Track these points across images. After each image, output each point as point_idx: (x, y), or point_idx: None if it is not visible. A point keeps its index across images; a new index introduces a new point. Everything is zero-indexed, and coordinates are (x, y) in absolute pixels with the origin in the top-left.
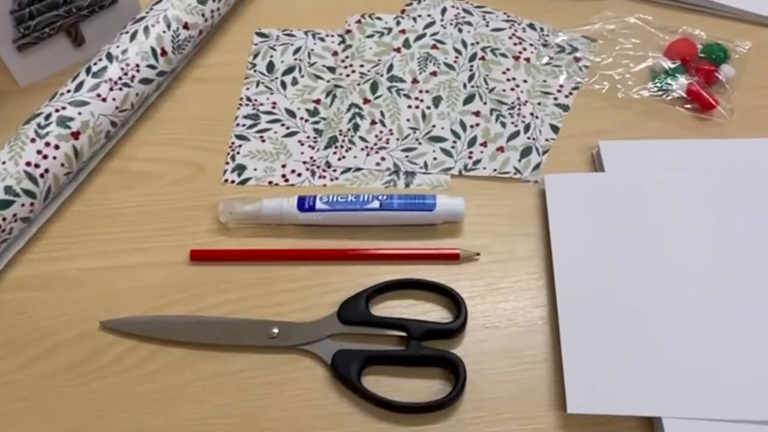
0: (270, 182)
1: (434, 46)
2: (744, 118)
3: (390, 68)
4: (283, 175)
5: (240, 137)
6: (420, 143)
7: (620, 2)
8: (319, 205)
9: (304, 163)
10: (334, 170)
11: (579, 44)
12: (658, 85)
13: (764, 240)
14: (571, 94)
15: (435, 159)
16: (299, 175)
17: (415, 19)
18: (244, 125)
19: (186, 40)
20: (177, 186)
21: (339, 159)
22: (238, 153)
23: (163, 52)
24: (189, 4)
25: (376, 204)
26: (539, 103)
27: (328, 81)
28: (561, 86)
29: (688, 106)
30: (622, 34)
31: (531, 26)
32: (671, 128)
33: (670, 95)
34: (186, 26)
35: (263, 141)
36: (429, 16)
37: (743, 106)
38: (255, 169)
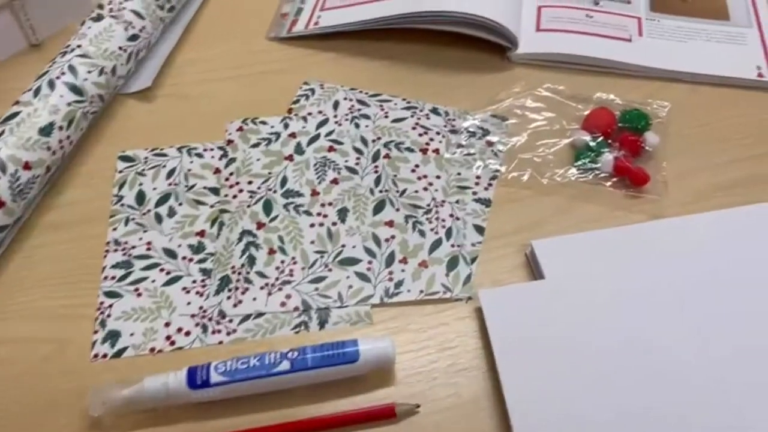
0: (152, 349)
1: (331, 148)
2: (679, 188)
3: (284, 181)
4: (168, 337)
5: (110, 294)
6: (330, 270)
7: (526, 71)
8: (214, 377)
9: (193, 316)
10: (231, 320)
11: (490, 125)
12: (583, 164)
13: (723, 328)
14: (490, 185)
15: (350, 287)
16: (187, 333)
17: (305, 119)
18: (113, 278)
19: (29, 182)
20: (29, 375)
21: (234, 305)
22: (108, 316)
23: (1, 203)
24: (27, 139)
25: (286, 365)
26: (458, 201)
27: (212, 206)
28: (478, 177)
29: (619, 183)
30: (534, 108)
31: (435, 111)
32: (605, 211)
33: (598, 174)
34: (27, 166)
35: (139, 295)
36: (320, 113)
37: (675, 174)
38: (132, 335)
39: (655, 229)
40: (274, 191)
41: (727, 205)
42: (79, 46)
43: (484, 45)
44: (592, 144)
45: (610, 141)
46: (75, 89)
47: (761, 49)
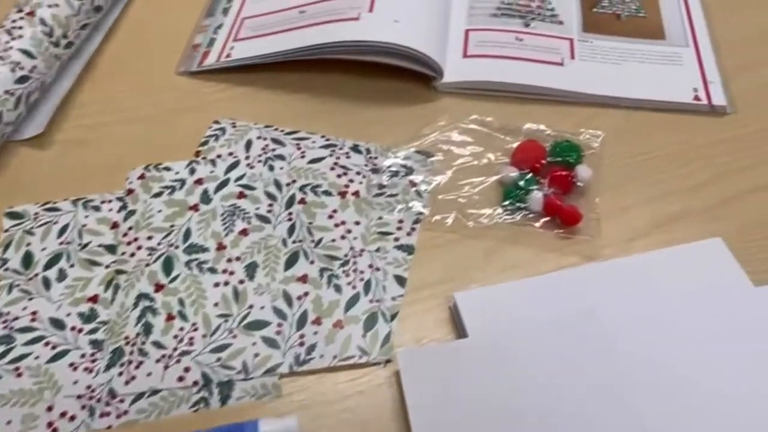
0: None
1: (241, 194)
2: (614, 225)
3: (187, 235)
4: (50, 424)
5: None
6: (235, 336)
7: (453, 101)
8: None
9: (79, 397)
10: (122, 400)
11: (414, 163)
12: (511, 203)
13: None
14: (413, 230)
15: (257, 355)
16: (72, 418)
17: (213, 162)
18: None
19: None
20: None
21: (127, 382)
22: None
23: None
24: None
25: None
26: (378, 250)
27: (107, 266)
28: (400, 222)
29: (550, 223)
30: (460, 142)
31: (356, 149)
32: (535, 255)
33: (527, 214)
34: None
35: (19, 375)
36: (231, 154)
37: (610, 210)
38: (9, 423)
39: (587, 274)
40: (176, 247)
41: (667, 243)
42: None
43: (409, 74)
44: (520, 181)
45: (539, 177)
46: None
47: (698, 69)
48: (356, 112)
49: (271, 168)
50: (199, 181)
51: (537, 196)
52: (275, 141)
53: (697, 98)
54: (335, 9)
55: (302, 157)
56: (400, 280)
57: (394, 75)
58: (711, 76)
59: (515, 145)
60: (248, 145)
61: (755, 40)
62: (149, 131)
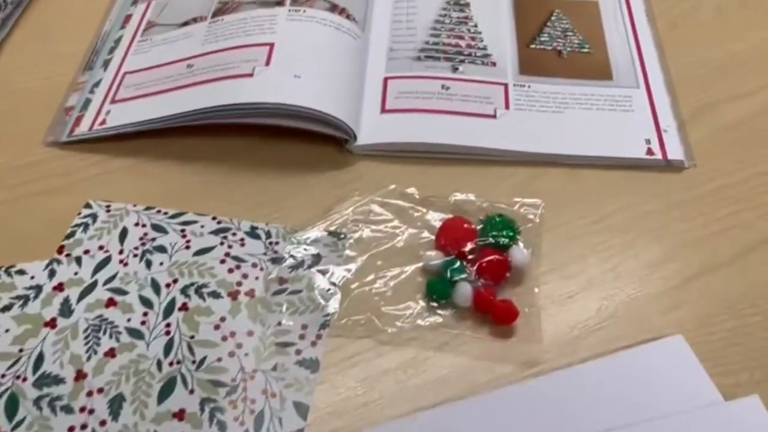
0: None
1: (110, 302)
2: (556, 322)
3: (39, 361)
4: None
5: None
6: None
7: (371, 165)
8: None
9: None
10: None
11: (322, 248)
12: (436, 298)
13: None
14: (319, 337)
15: None
16: None
17: (79, 261)
18: None
19: None
20: None
21: None
22: None
23: None
24: None
25: None
26: (275, 368)
27: None
28: (304, 327)
29: (482, 322)
30: (377, 221)
31: (253, 233)
32: (465, 365)
33: (455, 311)
34: None
35: None
36: (102, 249)
37: (551, 300)
38: None
39: (524, 394)
40: (24, 379)
41: (619, 338)
42: None
43: (320, 135)
44: (446, 270)
45: (469, 263)
46: None
47: (650, 115)
48: (255, 184)
49: (149, 264)
50: (59, 287)
51: (464, 290)
52: (156, 228)
53: (650, 152)
54: (227, 63)
55: (187, 247)
56: (301, 409)
57: (302, 136)
58: (665, 123)
59: (440, 222)
60: (123, 235)
61: (712, 76)
62: (5, 219)
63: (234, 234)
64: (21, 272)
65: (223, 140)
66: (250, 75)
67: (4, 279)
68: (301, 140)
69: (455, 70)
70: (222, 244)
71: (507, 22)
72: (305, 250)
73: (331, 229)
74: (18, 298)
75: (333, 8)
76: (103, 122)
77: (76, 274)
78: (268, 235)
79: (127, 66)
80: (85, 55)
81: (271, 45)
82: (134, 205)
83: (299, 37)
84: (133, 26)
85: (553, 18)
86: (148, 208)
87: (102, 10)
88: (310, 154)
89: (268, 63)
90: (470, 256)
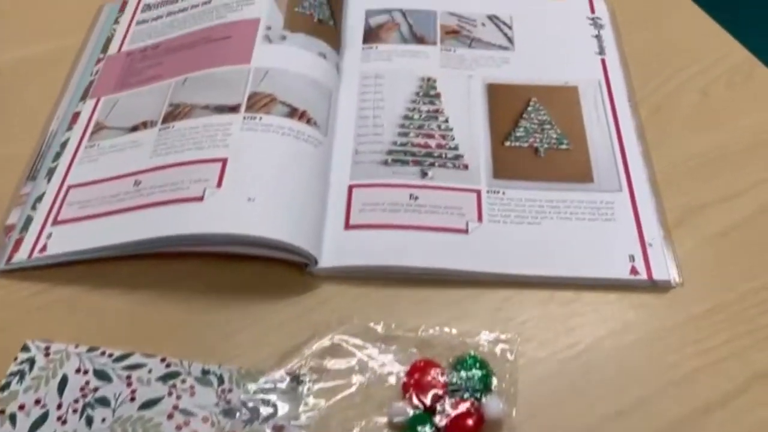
0: None
1: None
2: None
3: None
4: None
5: None
6: None
7: (335, 289)
8: None
9: None
10: None
11: (280, 396)
12: None
13: None
14: None
15: None
16: None
17: (13, 419)
18: None
19: None
20: None
21: None
22: None
23: None
24: None
25: None
26: None
27: None
28: None
29: None
30: (338, 367)
31: (204, 378)
32: None
33: None
34: None
35: None
36: (39, 403)
37: None
38: None
39: None
40: None
41: None
42: None
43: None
44: (413, 426)
45: (439, 415)
46: None
47: (634, 226)
48: (208, 316)
49: (90, 421)
50: None
51: None
52: (99, 374)
53: (634, 270)
54: (176, 182)
55: (132, 399)
56: None
57: (262, 258)
58: (650, 235)
59: (406, 367)
60: (63, 384)
61: (699, 173)
62: None
63: (183, 381)
64: None
65: (172, 264)
66: (200, 199)
67: None
68: (256, 261)
69: (424, 175)
70: (170, 394)
71: (480, 114)
72: (261, 399)
73: (289, 372)
74: None
75: (292, 113)
76: (44, 248)
77: None
78: (221, 380)
79: (72, 177)
80: (29, 160)
81: (224, 161)
82: (76, 346)
83: (254, 151)
84: (80, 127)
85: (529, 108)
86: (91, 349)
87: (50, 104)
88: (266, 278)
89: (219, 184)
90: (440, 408)
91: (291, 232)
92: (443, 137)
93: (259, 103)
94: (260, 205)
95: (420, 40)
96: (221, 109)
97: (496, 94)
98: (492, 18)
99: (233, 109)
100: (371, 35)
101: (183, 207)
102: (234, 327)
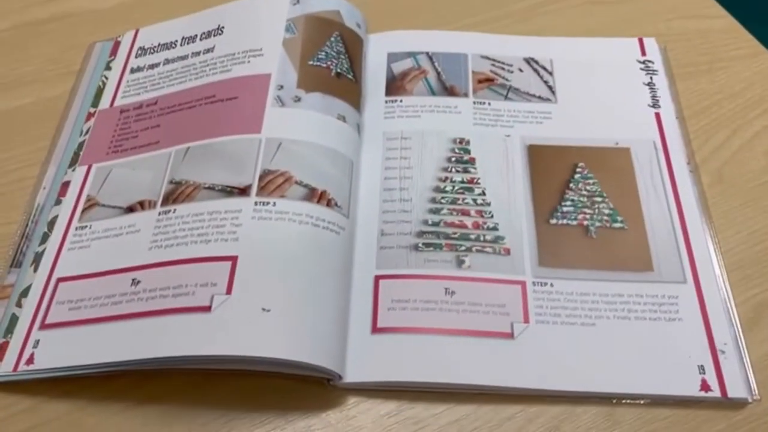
0: None
1: None
2: None
3: None
4: None
5: None
6: None
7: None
8: None
9: None
10: None
11: None
12: None
13: None
14: None
15: None
16: None
17: None
18: None
19: None
20: None
21: None
22: None
23: None
24: None
25: None
26: None
27: None
28: None
29: None
30: None
31: None
32: None
33: None
34: None
35: None
36: None
37: None
38: None
39: None
40: None
41: None
42: None
43: None
44: None
45: None
46: None
47: (702, 327)
48: (222, 430)
49: None
50: None
51: None
52: None
53: (705, 386)
54: (180, 286)
55: None
56: None
57: None
58: (721, 338)
59: None
60: None
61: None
62: None
63: None
64: None
65: (175, 375)
66: (208, 309)
67: None
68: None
69: (461, 263)
70: None
71: (521, 184)
72: None
73: None
74: None
75: (311, 195)
76: (31, 359)
77: None
78: None
79: (61, 268)
80: (13, 240)
81: (234, 260)
82: None
83: (268, 247)
84: (70, 201)
85: (576, 175)
86: None
87: (36, 168)
88: (282, 391)
89: (229, 290)
90: None
91: (313, 349)
92: (480, 214)
93: (272, 184)
94: (276, 318)
95: (450, 91)
96: (229, 191)
97: (538, 157)
98: (530, 61)
99: (243, 191)
100: (394, 85)
101: (188, 319)
102: None
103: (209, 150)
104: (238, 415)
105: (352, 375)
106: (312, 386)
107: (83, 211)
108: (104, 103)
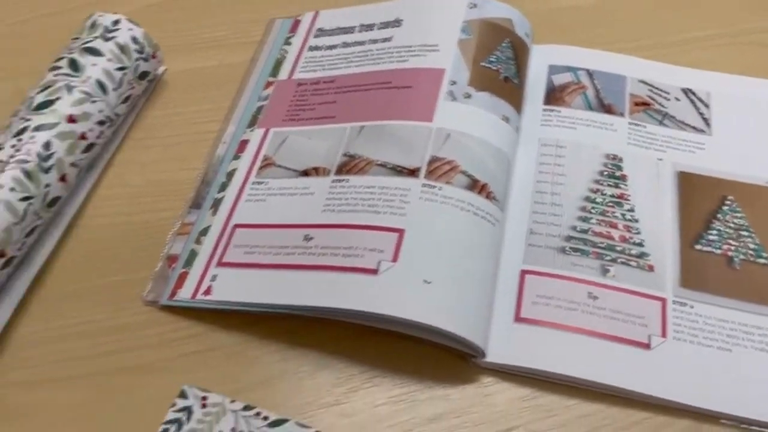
0: None
1: None
2: None
3: None
4: None
5: None
6: None
7: (499, 387)
8: None
9: None
10: None
11: None
12: None
13: None
14: None
15: None
16: None
17: None
18: None
19: None
20: None
21: None
22: None
23: None
24: None
25: None
26: None
27: None
28: None
29: None
30: None
31: None
32: None
33: None
34: None
35: None
36: None
37: None
38: None
39: None
40: None
41: None
42: None
43: None
44: None
45: None
46: None
47: None
48: (362, 390)
49: None
50: None
51: None
52: None
53: None
54: (350, 247)
55: None
56: None
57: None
58: None
59: None
60: None
61: None
62: (97, 398)
63: None
64: None
65: (330, 328)
66: (375, 272)
67: None
68: (416, 340)
69: (605, 272)
70: None
71: (669, 207)
72: None
73: None
74: None
75: (473, 185)
76: (208, 291)
77: None
78: None
79: (238, 215)
80: (194, 185)
81: (401, 232)
82: (232, 401)
83: (433, 226)
84: (248, 158)
85: (725, 207)
86: (247, 408)
87: (217, 124)
88: (425, 360)
89: (395, 258)
90: None
91: (467, 324)
92: (628, 229)
93: (439, 170)
94: (437, 290)
95: (607, 108)
96: (399, 171)
97: (688, 184)
98: (687, 92)
99: (412, 172)
100: (553, 96)
101: (356, 278)
102: (389, 410)
103: (383, 131)
104: (382, 374)
105: (492, 356)
106: (453, 359)
107: (260, 168)
108: (282, 74)
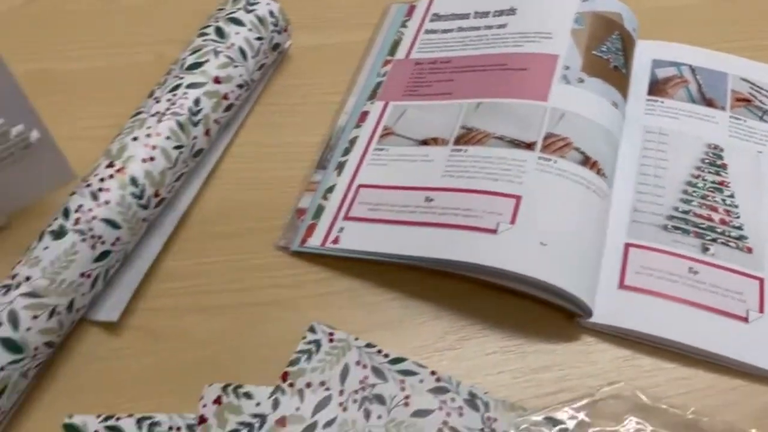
0: None
1: None
2: None
3: None
4: None
5: None
6: None
7: (601, 346)
8: None
9: None
10: None
11: None
12: None
13: None
14: None
15: None
16: None
17: (301, 394)
18: None
19: None
20: None
21: None
22: None
23: None
24: None
25: None
26: None
27: None
28: None
29: None
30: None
31: (471, 402)
32: None
33: None
34: None
35: None
36: (323, 385)
37: None
38: None
39: None
40: None
41: None
42: (27, 279)
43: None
44: None
45: None
46: (12, 345)
47: None
48: (472, 339)
49: (368, 415)
50: (281, 421)
51: None
52: (376, 372)
53: None
54: (469, 209)
55: (406, 404)
56: None
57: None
58: None
59: None
60: (344, 373)
61: None
62: (231, 330)
63: (453, 399)
64: (248, 395)
65: (446, 281)
66: (494, 231)
67: (232, 399)
68: (525, 297)
69: (705, 250)
70: (441, 409)
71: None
72: None
73: (551, 419)
74: (243, 425)
75: (585, 161)
76: (336, 240)
77: (297, 409)
78: (486, 407)
79: (362, 177)
80: (318, 149)
81: (518, 198)
82: (356, 339)
83: (548, 194)
84: (369, 128)
85: None
86: (369, 345)
87: (338, 97)
88: (534, 317)
89: (513, 221)
90: None
91: (578, 283)
92: (727, 213)
93: (554, 145)
94: (552, 251)
95: (708, 102)
96: (516, 144)
97: None
98: None
99: (529, 146)
100: (657, 88)
101: (476, 236)
102: (499, 358)
103: (499, 107)
104: (491, 327)
105: (599, 318)
106: (559, 317)
107: (381, 137)
108: (400, 54)
